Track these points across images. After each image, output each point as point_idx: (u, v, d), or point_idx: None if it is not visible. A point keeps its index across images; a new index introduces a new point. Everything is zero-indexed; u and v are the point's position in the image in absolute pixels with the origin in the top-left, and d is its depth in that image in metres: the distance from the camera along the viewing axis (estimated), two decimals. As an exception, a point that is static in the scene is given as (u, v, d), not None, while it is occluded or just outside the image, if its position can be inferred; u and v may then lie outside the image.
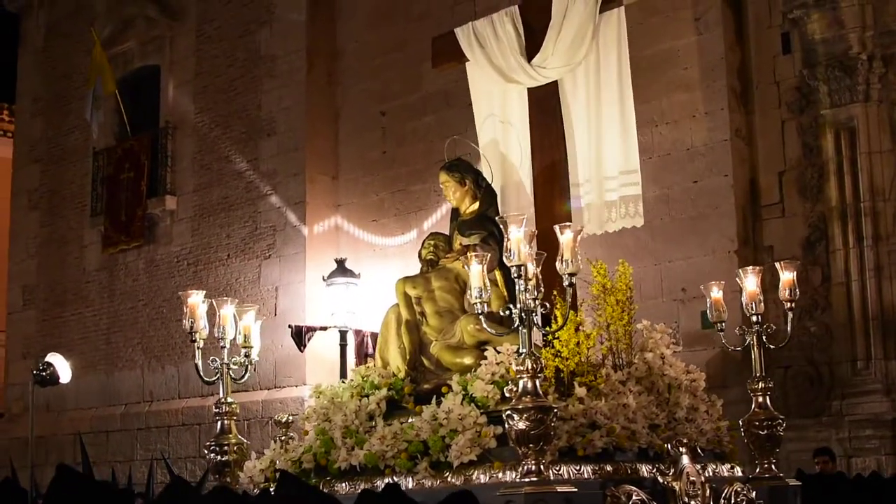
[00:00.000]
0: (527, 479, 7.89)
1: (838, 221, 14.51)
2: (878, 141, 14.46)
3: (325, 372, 17.68)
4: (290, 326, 17.37)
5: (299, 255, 18.80)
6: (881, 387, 13.98)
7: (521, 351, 8.13)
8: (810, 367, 14.39)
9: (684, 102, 15.32)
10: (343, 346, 17.18)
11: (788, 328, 9.87)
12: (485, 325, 8.56)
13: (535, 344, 8.32)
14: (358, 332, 17.25)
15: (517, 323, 8.12)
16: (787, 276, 9.90)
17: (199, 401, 19.45)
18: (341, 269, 17.45)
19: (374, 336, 17.03)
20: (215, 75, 20.80)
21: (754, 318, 9.75)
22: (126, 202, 21.32)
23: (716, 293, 10.06)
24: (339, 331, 17.24)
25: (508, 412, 8.01)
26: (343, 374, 16.46)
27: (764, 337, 9.73)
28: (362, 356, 17.01)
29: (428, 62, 17.59)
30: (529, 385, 8.02)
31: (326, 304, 17.56)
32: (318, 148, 19.26)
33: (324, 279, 17.45)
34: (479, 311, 8.35)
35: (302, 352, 17.50)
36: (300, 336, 17.24)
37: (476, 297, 8.27)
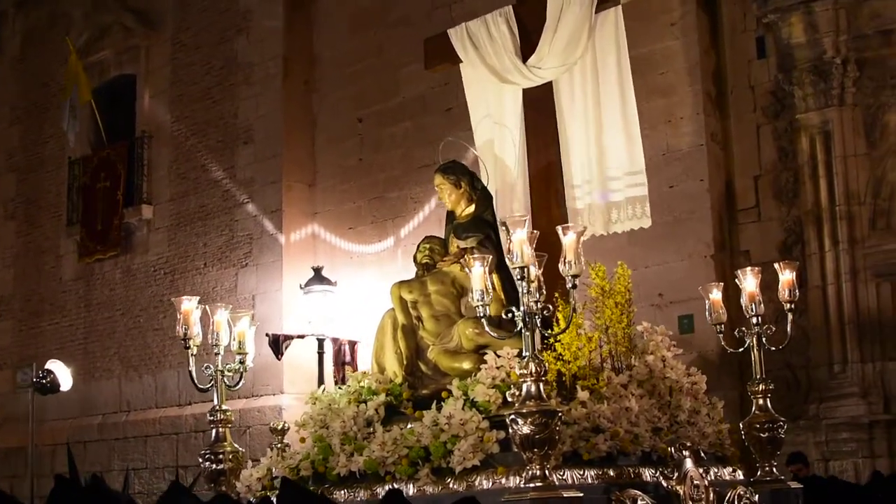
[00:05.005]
0: (532, 485, 7.76)
1: (814, 225, 14.52)
2: (852, 145, 14.47)
3: (302, 380, 17.64)
4: (267, 335, 17.29)
5: (276, 263, 18.73)
6: (858, 390, 13.98)
7: (524, 354, 7.95)
8: (787, 371, 14.38)
9: (660, 107, 15.29)
10: (321, 354, 17.12)
11: (788, 329, 9.83)
12: (487, 329, 8.41)
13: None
14: (335, 340, 17.20)
15: (520, 326, 7.95)
16: (786, 277, 9.87)
17: (176, 410, 19.40)
18: (318, 277, 17.41)
19: (352, 344, 17.11)
20: (192, 83, 20.73)
21: (754, 320, 9.71)
22: (102, 211, 21.23)
23: (715, 294, 10.02)
24: (317, 339, 17.18)
25: (513, 416, 7.85)
26: (321, 382, 16.42)
27: (764, 339, 9.72)
28: (340, 364, 16.98)
29: (405, 68, 17.81)
30: (533, 389, 7.85)
31: (304, 312, 17.52)
32: (294, 156, 19.21)
33: (301, 287, 17.41)
34: (482, 315, 8.16)
35: (279, 360, 17.41)
36: (277, 344, 17.16)
37: (478, 300, 8.10)
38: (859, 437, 13.89)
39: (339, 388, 10.70)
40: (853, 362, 14.12)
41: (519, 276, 7.93)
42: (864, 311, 14.15)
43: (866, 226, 14.33)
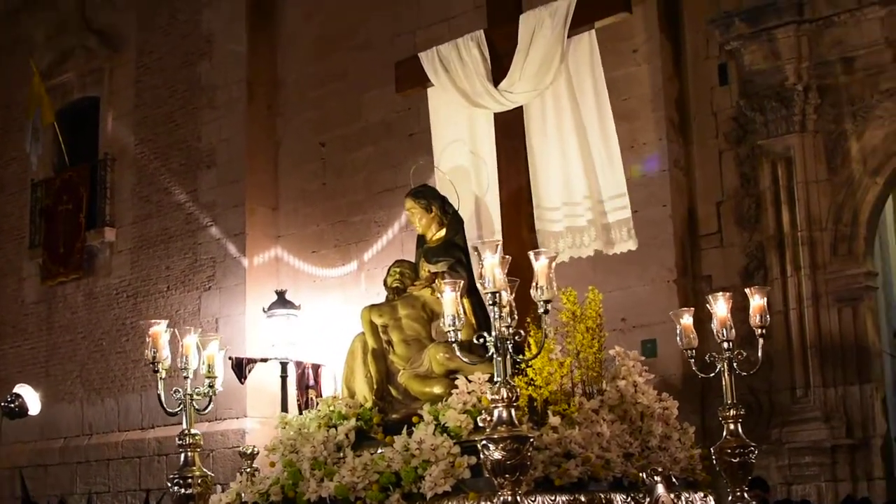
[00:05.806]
0: None
1: (776, 251, 14.59)
2: (814, 171, 14.56)
3: (265, 404, 17.60)
4: (230, 358, 17.22)
5: (239, 286, 18.68)
6: (820, 414, 14.04)
7: (496, 379, 7.78)
8: (750, 396, 14.41)
9: (623, 133, 15.16)
10: (284, 378, 17.07)
11: (759, 354, 9.82)
12: (458, 354, 8.22)
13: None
14: (299, 364, 17.16)
15: (492, 351, 7.77)
16: (757, 302, 9.84)
17: (138, 433, 19.32)
18: (281, 300, 17.37)
19: (315, 367, 17.06)
20: (155, 106, 20.69)
21: (725, 345, 9.68)
22: (64, 234, 21.17)
23: (686, 320, 9.97)
24: (280, 362, 17.14)
25: (484, 442, 7.66)
26: (284, 407, 16.39)
27: (735, 364, 9.71)
28: (303, 388, 16.95)
29: (368, 93, 17.84)
30: (505, 414, 7.65)
31: (267, 335, 17.48)
32: (257, 179, 19.18)
33: (264, 311, 17.36)
34: (453, 340, 7.93)
35: (242, 384, 17.34)
36: (240, 368, 17.08)
37: (449, 325, 7.85)
38: (822, 462, 13.95)
39: (309, 411, 10.68)
40: (815, 387, 14.18)
41: (491, 301, 7.83)
42: (826, 336, 14.22)
43: (828, 251, 14.41)
